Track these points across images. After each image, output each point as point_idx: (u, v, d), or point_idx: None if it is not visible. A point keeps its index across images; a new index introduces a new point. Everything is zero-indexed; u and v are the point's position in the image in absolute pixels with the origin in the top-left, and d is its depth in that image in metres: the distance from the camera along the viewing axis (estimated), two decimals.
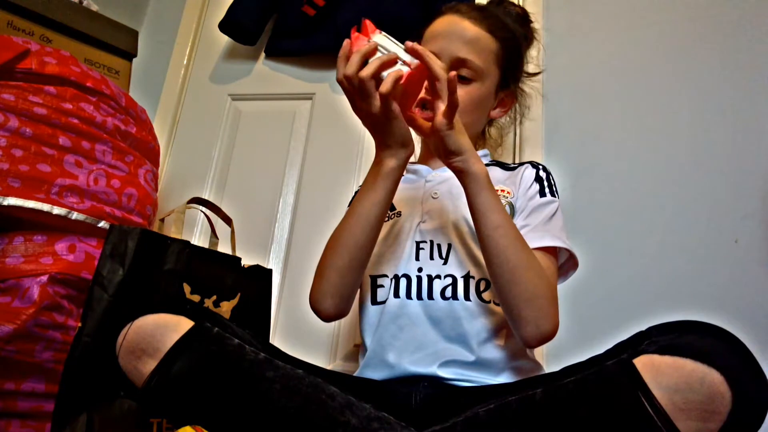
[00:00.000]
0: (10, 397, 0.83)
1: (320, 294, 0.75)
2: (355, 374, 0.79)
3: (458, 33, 0.82)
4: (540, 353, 1.06)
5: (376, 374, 0.75)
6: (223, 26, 1.45)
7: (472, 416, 0.52)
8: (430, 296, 0.75)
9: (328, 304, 0.75)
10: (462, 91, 0.79)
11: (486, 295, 0.74)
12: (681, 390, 0.45)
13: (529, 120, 1.16)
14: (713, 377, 0.44)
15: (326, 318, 0.77)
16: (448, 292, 0.74)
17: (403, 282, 0.77)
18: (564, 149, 1.22)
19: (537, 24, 1.35)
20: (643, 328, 0.54)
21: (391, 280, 0.78)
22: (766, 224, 1.06)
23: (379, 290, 0.79)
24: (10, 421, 0.84)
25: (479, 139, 0.96)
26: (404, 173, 0.86)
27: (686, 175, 1.14)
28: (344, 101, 1.42)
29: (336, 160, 1.38)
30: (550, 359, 1.06)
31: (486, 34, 0.83)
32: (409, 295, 0.75)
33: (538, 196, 0.80)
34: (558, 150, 1.22)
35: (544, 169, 0.84)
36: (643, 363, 0.47)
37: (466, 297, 0.74)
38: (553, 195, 0.80)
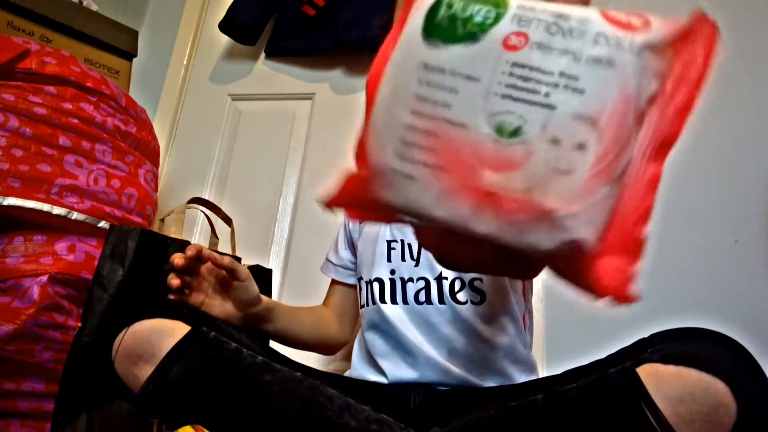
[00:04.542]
0: (10, 397, 0.83)
1: None
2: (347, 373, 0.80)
3: None
4: (540, 355, 1.06)
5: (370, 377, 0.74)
6: (223, 26, 1.45)
7: (472, 420, 0.52)
8: (405, 301, 0.73)
9: None
10: None
11: (461, 296, 0.72)
12: (685, 400, 0.44)
13: None
14: (718, 387, 0.44)
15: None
16: (422, 296, 0.73)
17: (376, 286, 0.76)
18: None
19: None
20: (643, 329, 0.54)
21: (366, 284, 0.78)
22: (766, 224, 1.06)
23: (361, 293, 0.80)
24: (10, 421, 0.84)
25: None
26: None
27: (686, 174, 1.13)
28: (344, 101, 1.43)
29: (336, 160, 1.38)
30: (550, 361, 1.06)
31: None
32: (383, 299, 0.75)
33: None
34: None
35: None
36: (647, 372, 0.46)
37: (440, 300, 0.72)
38: None
